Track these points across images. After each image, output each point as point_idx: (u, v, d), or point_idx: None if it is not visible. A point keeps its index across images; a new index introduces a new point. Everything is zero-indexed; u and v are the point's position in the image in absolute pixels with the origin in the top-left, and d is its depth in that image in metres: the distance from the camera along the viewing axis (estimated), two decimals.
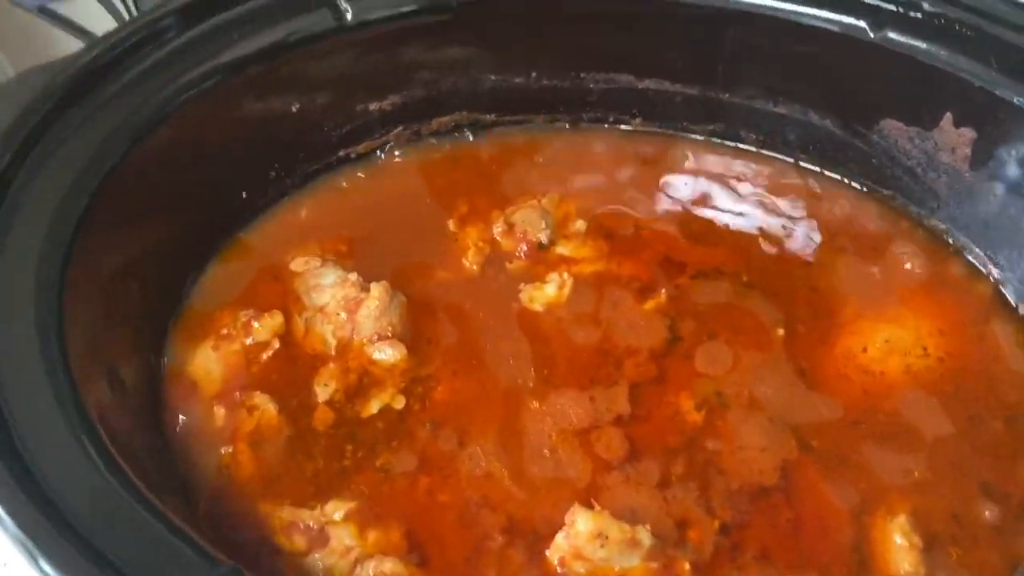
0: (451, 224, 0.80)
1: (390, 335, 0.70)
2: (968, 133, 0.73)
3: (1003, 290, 0.76)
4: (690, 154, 0.86)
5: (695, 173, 0.85)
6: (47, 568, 0.45)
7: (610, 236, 0.79)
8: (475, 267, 0.77)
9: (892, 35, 0.73)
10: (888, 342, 0.73)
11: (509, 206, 0.81)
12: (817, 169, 0.84)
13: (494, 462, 0.65)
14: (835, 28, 0.75)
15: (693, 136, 0.87)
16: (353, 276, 0.72)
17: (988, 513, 0.64)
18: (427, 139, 0.85)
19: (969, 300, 0.76)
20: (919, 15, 0.72)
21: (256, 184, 0.78)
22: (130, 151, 0.64)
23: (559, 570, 0.59)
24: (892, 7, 0.73)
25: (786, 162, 0.85)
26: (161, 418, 0.66)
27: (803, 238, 0.80)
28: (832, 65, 0.77)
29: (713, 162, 0.85)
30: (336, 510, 0.62)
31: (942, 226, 0.79)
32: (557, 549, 0.59)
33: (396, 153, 0.85)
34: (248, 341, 0.70)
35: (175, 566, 0.47)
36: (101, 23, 0.95)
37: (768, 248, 0.79)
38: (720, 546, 0.61)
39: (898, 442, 0.67)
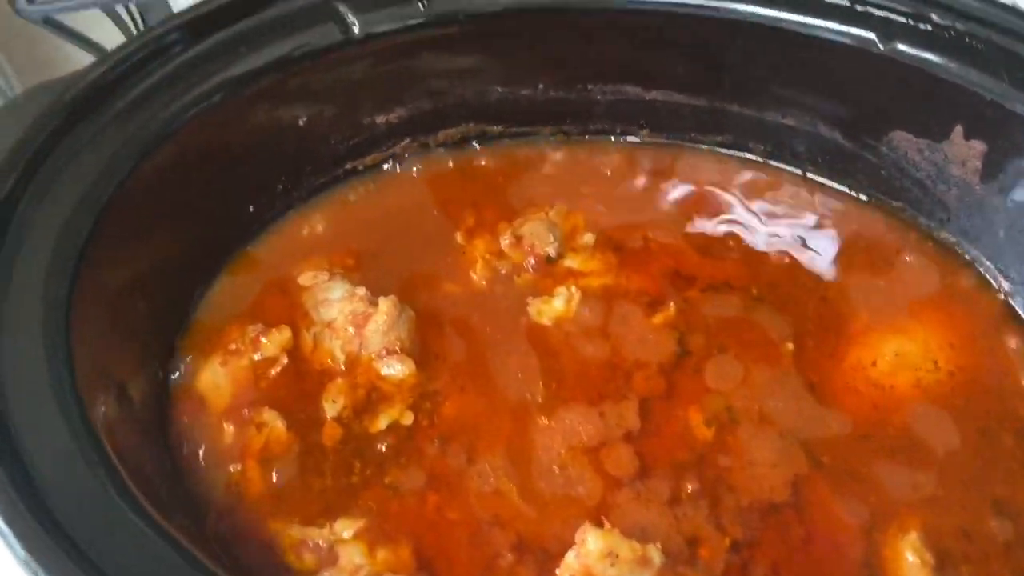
0: (458, 236, 0.79)
1: (398, 350, 0.70)
2: (979, 146, 0.73)
3: (1013, 303, 0.76)
4: (698, 165, 0.86)
5: (703, 184, 0.84)
6: None
7: (619, 249, 0.79)
8: (483, 280, 0.76)
9: (902, 47, 0.73)
10: (898, 355, 0.72)
11: (517, 218, 0.81)
12: (826, 181, 0.83)
13: (503, 479, 0.64)
14: (844, 40, 0.74)
15: (701, 147, 0.86)
16: (361, 291, 0.71)
17: (999, 529, 0.64)
18: (434, 151, 0.85)
19: (979, 313, 0.76)
20: (929, 27, 0.72)
21: (263, 197, 0.78)
22: (137, 167, 0.64)
23: None
24: (902, 19, 0.73)
25: (795, 173, 0.84)
26: (169, 435, 0.66)
27: (812, 250, 0.79)
28: (841, 77, 0.77)
29: (721, 173, 0.85)
30: (345, 528, 0.61)
31: (952, 238, 0.79)
32: (567, 568, 0.59)
33: (403, 165, 0.84)
34: (256, 356, 0.70)
35: None
36: (106, 34, 0.95)
37: (777, 261, 0.79)
38: (731, 564, 0.61)
39: (908, 457, 0.67)
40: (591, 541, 0.58)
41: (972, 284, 0.77)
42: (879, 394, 0.70)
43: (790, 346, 0.73)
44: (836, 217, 0.82)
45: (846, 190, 0.83)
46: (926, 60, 0.72)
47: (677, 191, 0.84)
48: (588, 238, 0.79)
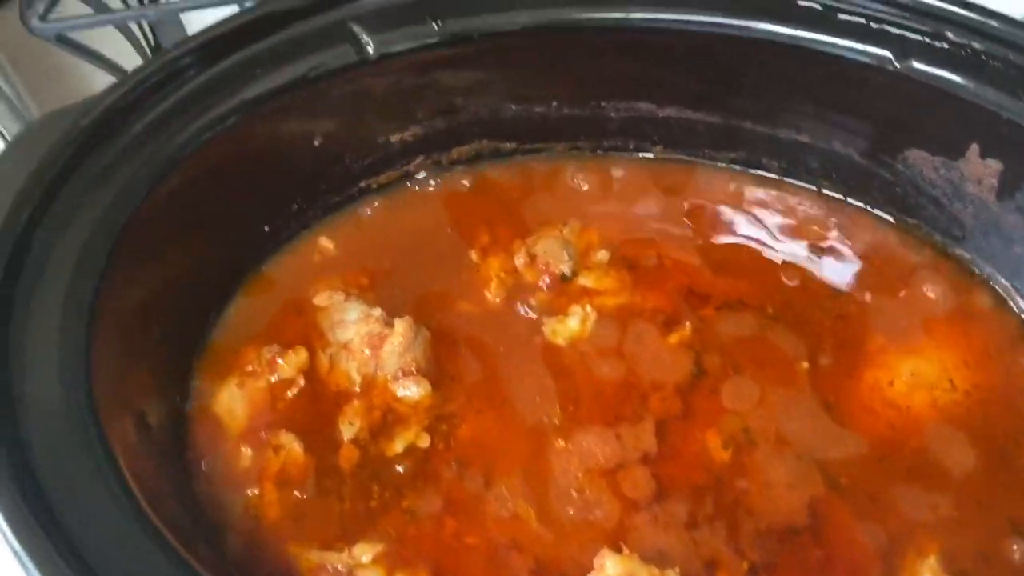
0: (473, 255, 0.79)
1: (414, 371, 0.70)
2: (995, 165, 0.73)
3: None
4: (712, 182, 0.85)
5: (717, 201, 0.84)
6: None
7: (633, 267, 0.79)
8: (497, 299, 0.76)
9: (918, 65, 0.72)
10: (914, 375, 0.72)
11: (531, 236, 0.80)
12: (841, 197, 0.83)
13: (521, 503, 0.64)
14: (860, 58, 0.74)
15: (715, 163, 0.86)
16: (377, 312, 0.71)
17: (1017, 551, 0.64)
18: (448, 168, 0.85)
19: (995, 331, 0.75)
20: (945, 45, 0.71)
21: (278, 217, 0.78)
22: (153, 192, 0.64)
23: None
24: (918, 37, 0.72)
25: (809, 190, 0.84)
26: (186, 458, 0.66)
27: (826, 268, 0.79)
28: (857, 94, 0.76)
29: (735, 190, 0.85)
30: (364, 553, 0.61)
31: (967, 256, 0.78)
32: None
33: (417, 183, 0.84)
34: (273, 378, 0.70)
35: None
36: (118, 50, 0.95)
37: (791, 279, 0.78)
38: None
39: (926, 478, 0.67)
40: (610, 566, 0.58)
41: (988, 302, 0.77)
42: (896, 414, 0.70)
43: (805, 365, 0.73)
44: (851, 234, 0.81)
45: (861, 206, 0.83)
46: (942, 78, 0.72)
47: (691, 207, 0.84)
48: (602, 255, 0.79)
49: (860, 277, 0.79)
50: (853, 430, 0.69)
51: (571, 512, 0.64)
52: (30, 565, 0.46)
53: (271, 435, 0.67)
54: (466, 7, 0.75)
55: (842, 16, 0.74)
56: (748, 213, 0.83)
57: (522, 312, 0.76)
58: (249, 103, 0.69)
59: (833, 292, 0.78)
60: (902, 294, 0.78)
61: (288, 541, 0.63)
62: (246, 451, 0.66)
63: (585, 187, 0.85)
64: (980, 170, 0.74)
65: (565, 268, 0.78)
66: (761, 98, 0.81)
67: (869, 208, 0.82)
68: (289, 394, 0.70)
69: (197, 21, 0.99)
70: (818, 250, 0.81)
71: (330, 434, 0.68)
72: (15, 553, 0.47)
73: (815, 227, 0.82)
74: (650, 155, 0.87)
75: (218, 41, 0.69)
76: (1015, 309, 0.76)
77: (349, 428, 0.68)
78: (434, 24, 0.74)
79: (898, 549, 0.63)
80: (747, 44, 0.77)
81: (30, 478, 0.50)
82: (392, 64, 0.74)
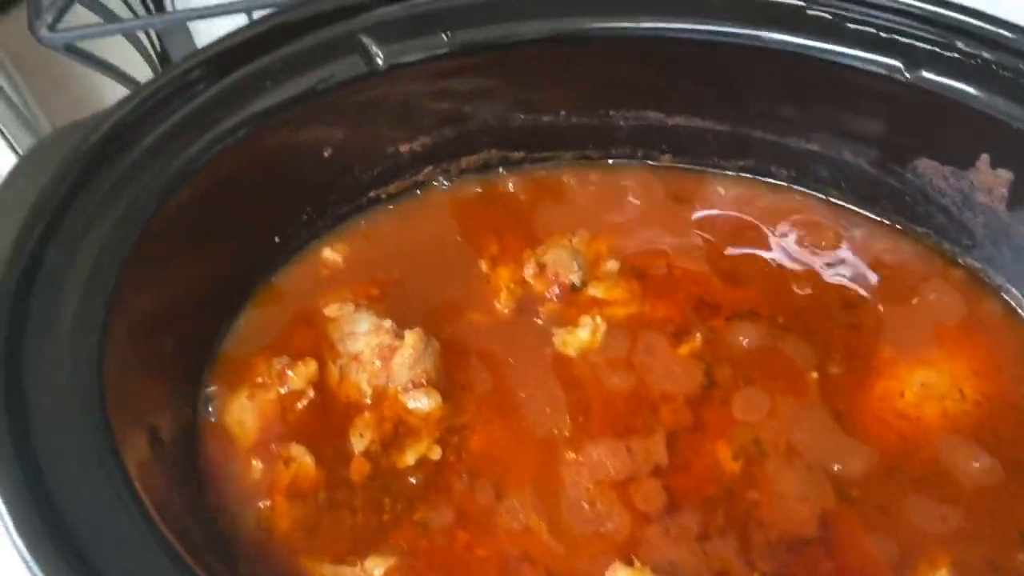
0: (482, 265, 0.79)
1: (424, 383, 0.70)
2: (1005, 175, 0.73)
3: None
4: (721, 190, 0.85)
5: (726, 209, 0.84)
6: None
7: (642, 276, 0.79)
8: (507, 310, 0.76)
9: (927, 75, 0.72)
10: (924, 386, 0.72)
11: (540, 245, 0.80)
12: (850, 206, 0.83)
13: (532, 515, 0.65)
14: (869, 67, 0.73)
15: (724, 172, 0.86)
16: (387, 323, 0.71)
17: None
18: (456, 178, 0.85)
19: (1005, 341, 0.75)
20: (955, 55, 0.71)
21: (288, 228, 0.78)
22: (163, 206, 0.64)
23: None
24: (928, 47, 0.72)
25: (818, 198, 0.84)
26: (198, 471, 0.66)
27: (836, 277, 0.79)
28: (866, 104, 0.76)
29: (744, 198, 0.85)
30: (376, 566, 0.62)
31: (977, 265, 0.78)
32: None
33: (426, 193, 0.84)
34: (283, 390, 0.70)
35: None
36: (126, 56, 0.95)
37: (802, 288, 0.78)
38: None
39: (937, 489, 0.67)
40: None
41: (998, 311, 0.77)
42: (906, 425, 0.70)
43: (815, 375, 0.72)
44: (860, 243, 0.81)
45: (870, 215, 0.83)
46: (953, 88, 0.71)
47: (700, 216, 0.84)
48: (612, 265, 0.79)
49: (870, 286, 0.79)
50: (863, 441, 0.69)
51: (582, 524, 0.64)
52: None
53: (282, 447, 0.67)
54: (475, 18, 0.75)
55: (851, 26, 0.74)
56: (757, 222, 0.83)
57: (532, 323, 0.76)
58: (259, 115, 0.69)
59: (844, 301, 0.77)
60: (912, 303, 0.78)
61: (300, 554, 0.63)
62: (257, 464, 0.66)
63: (594, 196, 0.85)
64: (990, 180, 0.74)
65: (575, 278, 0.78)
66: (770, 107, 0.80)
67: (878, 217, 0.82)
68: (299, 406, 0.70)
69: (204, 29, 0.99)
70: (828, 259, 0.80)
71: (341, 446, 0.68)
72: (26, 564, 0.47)
73: (825, 236, 0.82)
74: (658, 163, 0.87)
75: (228, 54, 0.69)
76: None
77: (360, 440, 0.68)
78: (443, 35, 0.74)
79: (909, 560, 0.63)
80: (756, 53, 0.76)
81: (42, 490, 0.50)
82: (401, 75, 0.75)
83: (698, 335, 0.74)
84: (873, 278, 0.79)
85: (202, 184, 0.67)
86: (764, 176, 0.85)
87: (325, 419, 0.69)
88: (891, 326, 0.76)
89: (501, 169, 0.86)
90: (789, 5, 0.75)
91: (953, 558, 0.63)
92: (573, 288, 0.78)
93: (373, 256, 0.80)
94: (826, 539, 0.64)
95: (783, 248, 0.81)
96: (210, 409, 0.69)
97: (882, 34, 0.73)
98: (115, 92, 0.91)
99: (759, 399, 0.71)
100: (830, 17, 0.74)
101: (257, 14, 0.80)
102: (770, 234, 0.82)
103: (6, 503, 0.49)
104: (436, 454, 0.67)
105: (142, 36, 0.99)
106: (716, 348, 0.74)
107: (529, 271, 0.78)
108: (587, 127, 0.84)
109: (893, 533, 0.64)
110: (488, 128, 0.83)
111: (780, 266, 0.80)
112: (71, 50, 0.84)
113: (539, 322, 0.76)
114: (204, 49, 0.69)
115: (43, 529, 0.48)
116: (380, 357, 0.70)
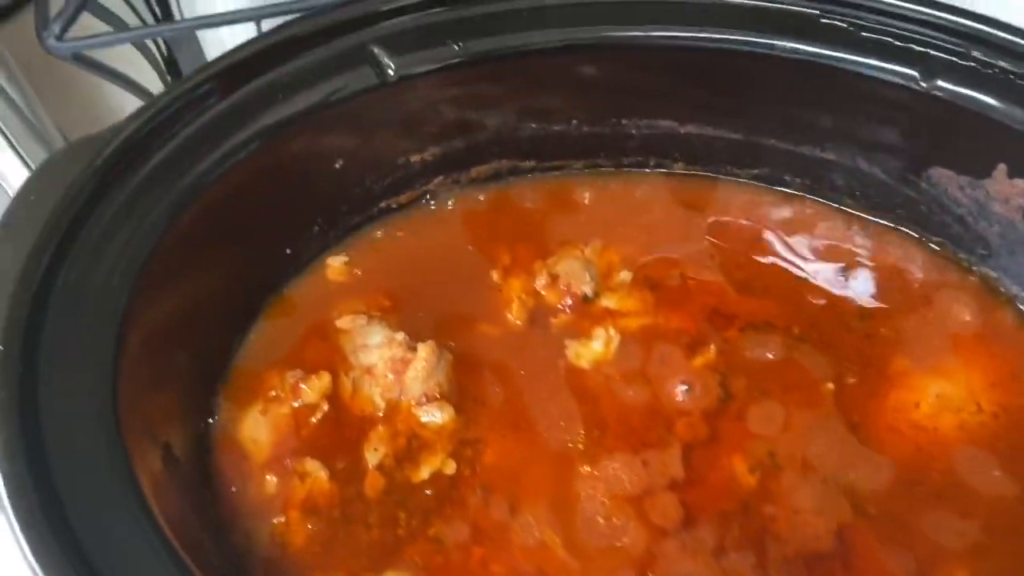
0: (494, 275, 0.79)
1: (438, 396, 0.70)
2: (1022, 184, 0.72)
3: None
4: (734, 199, 0.85)
5: (740, 218, 0.84)
6: None
7: (656, 287, 0.78)
8: (519, 322, 0.76)
9: (943, 84, 0.72)
10: (940, 397, 0.72)
11: (552, 256, 0.80)
12: (864, 215, 0.82)
13: (547, 530, 0.64)
14: (885, 76, 0.73)
15: (737, 180, 0.86)
16: (400, 336, 0.71)
17: None
18: (467, 187, 0.85)
19: (1022, 351, 0.75)
20: (972, 64, 0.71)
21: (299, 240, 0.78)
22: (175, 221, 0.64)
23: None
24: (943, 55, 0.71)
25: (833, 207, 0.83)
26: (212, 487, 0.66)
27: (851, 287, 0.79)
28: (881, 112, 0.75)
29: (758, 207, 0.84)
30: None
31: (993, 274, 0.78)
32: None
33: (437, 203, 0.84)
34: (296, 404, 0.70)
35: None
36: (133, 61, 0.94)
37: (816, 298, 0.78)
38: None
39: (954, 503, 0.66)
40: None
41: (1014, 321, 0.76)
42: (923, 436, 0.70)
43: (831, 386, 0.72)
44: (875, 252, 0.81)
45: (885, 224, 0.82)
46: (969, 98, 0.71)
47: (713, 225, 0.83)
48: (624, 276, 0.79)
49: (885, 296, 0.78)
50: (880, 453, 0.69)
51: (597, 539, 0.64)
52: None
53: (296, 462, 0.67)
54: (486, 28, 0.75)
55: (866, 34, 0.73)
56: (771, 231, 0.82)
57: (544, 334, 0.75)
58: (271, 128, 0.69)
59: (859, 311, 0.77)
60: (927, 313, 0.77)
61: (315, 570, 0.63)
62: (271, 479, 0.66)
63: (606, 205, 0.85)
64: (1007, 190, 0.73)
65: (587, 289, 0.77)
66: (784, 115, 0.80)
67: (893, 226, 0.82)
68: (313, 420, 0.69)
69: (212, 37, 0.99)
70: (843, 268, 0.80)
71: (355, 460, 0.68)
72: None
73: (839, 245, 0.81)
74: (672, 172, 0.87)
75: (238, 67, 0.69)
76: None
77: (374, 454, 0.68)
78: (454, 45, 0.74)
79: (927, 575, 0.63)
80: (770, 61, 0.76)
81: (55, 508, 0.49)
82: (413, 86, 0.74)
83: (712, 347, 0.74)
84: (887, 287, 0.79)
85: (214, 198, 0.67)
86: (778, 185, 0.85)
87: (339, 433, 0.69)
88: (906, 336, 0.76)
89: (512, 178, 0.86)
90: (803, 13, 0.75)
91: (971, 573, 0.63)
92: (585, 299, 0.77)
93: (384, 267, 0.80)
94: (843, 554, 0.64)
95: (797, 257, 0.81)
96: (223, 424, 0.69)
97: (898, 43, 0.72)
98: (123, 98, 0.91)
99: (774, 411, 0.70)
100: (844, 25, 0.74)
101: (266, 23, 0.80)
102: (784, 243, 0.82)
103: (20, 521, 0.48)
104: (450, 468, 0.67)
105: (150, 44, 0.99)
106: (731, 360, 0.73)
107: (541, 282, 0.78)
108: (599, 136, 0.84)
109: (910, 547, 0.64)
110: (499, 138, 0.82)
111: (794, 276, 0.79)
112: (79, 59, 0.83)
113: (551, 334, 0.76)
114: (214, 62, 0.69)
115: (57, 547, 0.48)
116: (393, 370, 0.70)
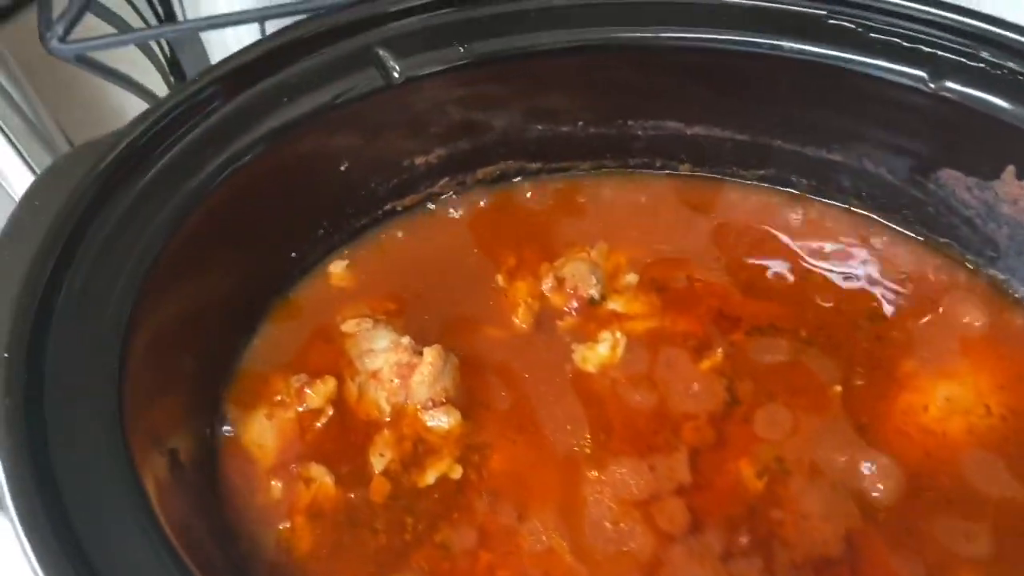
0: (500, 279, 0.79)
1: (444, 400, 0.70)
2: None
3: None
4: (741, 200, 0.84)
5: (746, 220, 0.83)
6: None
7: (662, 289, 0.78)
8: (525, 325, 0.76)
9: (952, 85, 0.71)
10: (949, 400, 0.71)
11: (558, 258, 0.80)
12: (871, 216, 0.82)
13: (555, 536, 0.64)
14: (893, 77, 0.72)
15: (743, 181, 0.85)
16: (406, 340, 0.71)
17: None
18: (473, 189, 0.84)
19: None
20: (981, 65, 0.70)
21: (305, 243, 0.78)
22: (180, 226, 0.63)
23: None
24: (952, 56, 0.71)
25: (840, 208, 0.83)
26: (217, 492, 0.66)
27: (858, 289, 0.78)
28: (888, 113, 0.75)
29: (765, 208, 0.84)
30: None
31: (1001, 276, 0.77)
32: None
33: (442, 205, 0.84)
34: (302, 408, 0.70)
35: None
36: (135, 61, 0.94)
37: (823, 300, 0.77)
38: None
39: (963, 507, 0.66)
40: None
41: (1022, 323, 0.76)
42: (931, 440, 0.69)
43: (838, 389, 0.72)
44: (882, 254, 0.80)
45: (892, 225, 0.82)
46: (978, 99, 0.70)
47: (719, 227, 0.83)
48: (631, 278, 0.78)
49: (892, 298, 0.78)
50: (888, 456, 0.68)
51: (605, 545, 0.63)
52: None
53: (301, 468, 0.67)
54: (492, 29, 0.74)
55: (874, 35, 0.73)
56: (778, 232, 0.82)
57: (550, 338, 0.75)
58: (276, 132, 0.69)
59: (866, 314, 0.76)
60: (935, 315, 0.77)
61: None
62: (276, 484, 0.66)
63: (612, 207, 0.84)
64: (1016, 191, 0.73)
65: (594, 292, 0.77)
66: (791, 116, 0.80)
67: (900, 227, 0.81)
68: (318, 424, 0.69)
69: (216, 37, 0.98)
70: (849, 270, 0.79)
71: (361, 465, 0.68)
72: None
73: (846, 246, 0.81)
74: (678, 173, 0.86)
75: (243, 70, 0.68)
76: None
77: (380, 460, 0.67)
78: (460, 47, 0.73)
79: None
80: (776, 62, 0.75)
81: (60, 514, 0.49)
82: (419, 87, 0.74)
83: (719, 350, 0.73)
84: (895, 289, 0.78)
85: (219, 202, 0.67)
86: (784, 186, 0.84)
87: (344, 438, 0.69)
88: (914, 338, 0.75)
89: (518, 180, 0.85)
90: (810, 14, 0.74)
91: None
92: (592, 302, 0.77)
93: (390, 270, 0.79)
94: (851, 559, 0.63)
95: (804, 259, 0.80)
96: (229, 428, 0.69)
97: (905, 43, 0.72)
98: (126, 98, 0.91)
99: (782, 415, 0.70)
100: (852, 26, 0.73)
101: (270, 24, 0.79)
102: (791, 245, 0.81)
103: (25, 528, 0.48)
104: (457, 473, 0.67)
105: (153, 45, 0.98)
106: (737, 363, 0.73)
107: (547, 285, 0.77)
108: (605, 137, 0.83)
109: (920, 553, 0.64)
110: (505, 139, 0.82)
111: (801, 278, 0.79)
112: (82, 61, 0.83)
113: (557, 337, 0.75)
114: (219, 65, 0.68)
115: (61, 553, 0.48)
116: (399, 375, 0.70)
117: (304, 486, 0.66)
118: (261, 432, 0.68)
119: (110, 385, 0.56)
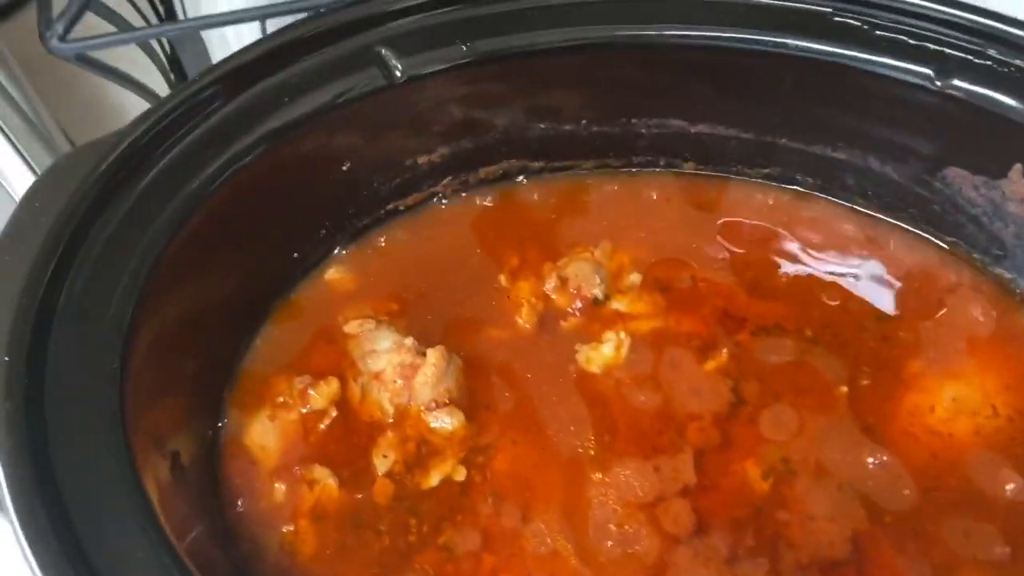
0: (503, 279, 0.78)
1: (447, 401, 0.69)
2: None
3: None
4: (745, 199, 0.84)
5: (750, 218, 0.83)
6: None
7: (666, 289, 0.77)
8: (528, 326, 0.75)
9: (959, 83, 0.70)
10: (955, 401, 0.71)
11: (561, 258, 0.79)
12: (877, 214, 0.81)
13: (559, 538, 0.64)
14: (899, 75, 0.72)
15: (748, 179, 0.85)
16: (409, 341, 0.70)
17: None
18: (475, 188, 0.84)
19: None
20: (988, 63, 0.69)
21: (307, 243, 0.77)
22: (182, 227, 0.63)
23: None
24: (959, 54, 0.70)
25: (845, 207, 0.82)
26: (220, 495, 0.65)
27: (864, 288, 0.78)
28: (894, 111, 0.74)
29: (769, 207, 0.83)
30: None
31: (1008, 275, 0.77)
32: None
33: (445, 204, 0.83)
34: (305, 410, 0.69)
35: None
36: (135, 59, 0.93)
37: (828, 299, 0.77)
38: None
39: (970, 509, 0.65)
40: None
41: None
42: (938, 442, 0.69)
43: (844, 389, 0.71)
44: (888, 253, 0.80)
45: (898, 225, 0.81)
46: (985, 97, 0.70)
47: (723, 226, 0.82)
48: (635, 278, 0.78)
49: (898, 297, 0.77)
50: (895, 457, 0.68)
51: (610, 547, 0.63)
52: None
53: (305, 469, 0.66)
54: (494, 27, 0.74)
55: (880, 32, 0.72)
56: (783, 231, 0.82)
57: (554, 339, 0.75)
58: (277, 131, 0.68)
59: (872, 313, 0.76)
60: (941, 315, 0.76)
61: None
62: (280, 486, 0.66)
63: (615, 206, 0.84)
64: (1023, 190, 0.72)
65: (597, 292, 0.76)
66: (796, 114, 0.79)
67: (906, 226, 0.81)
68: (321, 426, 0.69)
69: (217, 36, 0.98)
70: (855, 269, 0.79)
71: (364, 467, 0.67)
72: None
73: (852, 245, 0.80)
74: (681, 171, 0.86)
75: (244, 69, 0.68)
76: None
77: (383, 461, 0.67)
78: (462, 46, 0.73)
79: None
80: (781, 60, 0.75)
81: (61, 516, 0.49)
82: (421, 86, 0.73)
83: (724, 350, 0.73)
84: (901, 288, 0.78)
85: (220, 202, 0.66)
86: (789, 184, 0.84)
87: (347, 439, 0.69)
88: (920, 338, 0.75)
89: (520, 179, 0.85)
90: (815, 12, 0.74)
91: None
92: (596, 302, 0.76)
93: (392, 270, 0.79)
94: (858, 561, 0.63)
95: (809, 258, 0.80)
96: (231, 430, 0.68)
97: (912, 41, 0.71)
98: (126, 97, 0.90)
99: (787, 416, 0.70)
100: (858, 24, 0.73)
101: (271, 22, 0.79)
102: (796, 244, 0.81)
103: (25, 530, 0.48)
104: (460, 475, 0.67)
105: (153, 43, 0.98)
106: (743, 363, 0.72)
107: (550, 285, 0.77)
108: (608, 135, 0.83)
109: (926, 554, 0.63)
110: (507, 138, 0.81)
111: (806, 277, 0.79)
112: (83, 60, 0.82)
113: (561, 338, 0.75)
114: (220, 64, 0.68)
115: (62, 555, 0.47)
116: (402, 376, 0.69)
117: (307, 488, 0.66)
118: (263, 433, 0.68)
119: (111, 386, 0.55)
